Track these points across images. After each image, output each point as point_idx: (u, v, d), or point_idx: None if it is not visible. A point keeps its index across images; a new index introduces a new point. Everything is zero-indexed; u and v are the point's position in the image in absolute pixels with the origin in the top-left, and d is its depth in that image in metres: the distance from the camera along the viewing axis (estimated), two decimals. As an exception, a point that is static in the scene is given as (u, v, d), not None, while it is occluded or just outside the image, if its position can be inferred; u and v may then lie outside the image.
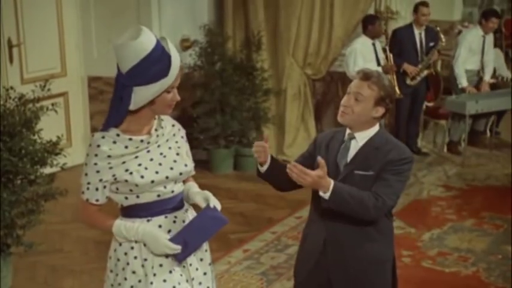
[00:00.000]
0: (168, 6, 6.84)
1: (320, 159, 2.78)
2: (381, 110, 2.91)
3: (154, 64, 2.56)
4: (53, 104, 4.40)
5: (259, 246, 5.27)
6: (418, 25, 7.26)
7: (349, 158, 2.94)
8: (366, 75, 2.91)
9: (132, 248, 2.70)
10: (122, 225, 2.69)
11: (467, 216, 5.87)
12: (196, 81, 6.95)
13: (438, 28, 7.41)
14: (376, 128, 2.97)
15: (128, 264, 2.71)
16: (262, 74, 7.09)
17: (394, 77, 7.01)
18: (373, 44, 7.01)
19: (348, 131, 2.98)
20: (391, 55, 7.05)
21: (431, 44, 7.28)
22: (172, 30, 6.81)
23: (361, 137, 2.95)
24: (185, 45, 7.01)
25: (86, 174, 2.66)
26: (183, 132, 2.87)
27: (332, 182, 2.79)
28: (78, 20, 6.96)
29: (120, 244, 2.73)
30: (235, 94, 6.87)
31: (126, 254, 2.71)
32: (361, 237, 2.94)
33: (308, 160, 3.05)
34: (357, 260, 2.95)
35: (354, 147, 2.95)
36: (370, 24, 6.98)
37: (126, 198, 2.70)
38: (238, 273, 4.81)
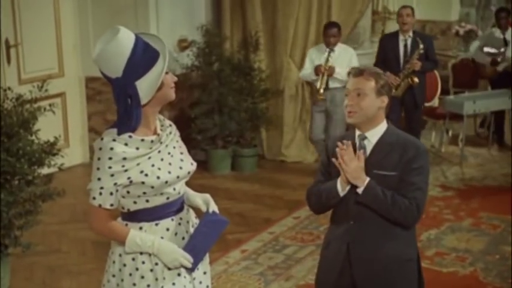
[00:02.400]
0: (165, 6, 6.84)
1: (359, 153, 2.87)
2: (384, 99, 2.92)
3: (145, 51, 2.56)
4: (50, 105, 4.39)
5: (257, 246, 5.27)
6: (401, 31, 6.75)
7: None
8: (358, 71, 2.94)
9: (141, 253, 2.67)
10: (137, 237, 2.65)
11: (465, 216, 5.87)
12: (194, 82, 6.96)
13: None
14: (384, 125, 2.97)
15: (137, 269, 2.68)
16: (260, 74, 7.10)
17: (324, 78, 6.42)
18: (329, 51, 6.46)
19: (357, 132, 2.97)
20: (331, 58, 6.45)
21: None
22: (170, 31, 6.81)
23: (372, 135, 2.95)
24: (183, 45, 7.00)
25: (99, 179, 2.58)
26: (178, 131, 2.86)
27: (367, 178, 2.86)
28: (75, 21, 6.96)
29: None
30: (233, 95, 6.87)
31: (134, 259, 2.68)
32: (384, 236, 2.94)
33: (325, 171, 3.07)
34: (380, 259, 2.95)
35: (368, 146, 2.95)
36: (323, 31, 6.60)
37: (135, 202, 2.66)
38: (236, 274, 4.81)
